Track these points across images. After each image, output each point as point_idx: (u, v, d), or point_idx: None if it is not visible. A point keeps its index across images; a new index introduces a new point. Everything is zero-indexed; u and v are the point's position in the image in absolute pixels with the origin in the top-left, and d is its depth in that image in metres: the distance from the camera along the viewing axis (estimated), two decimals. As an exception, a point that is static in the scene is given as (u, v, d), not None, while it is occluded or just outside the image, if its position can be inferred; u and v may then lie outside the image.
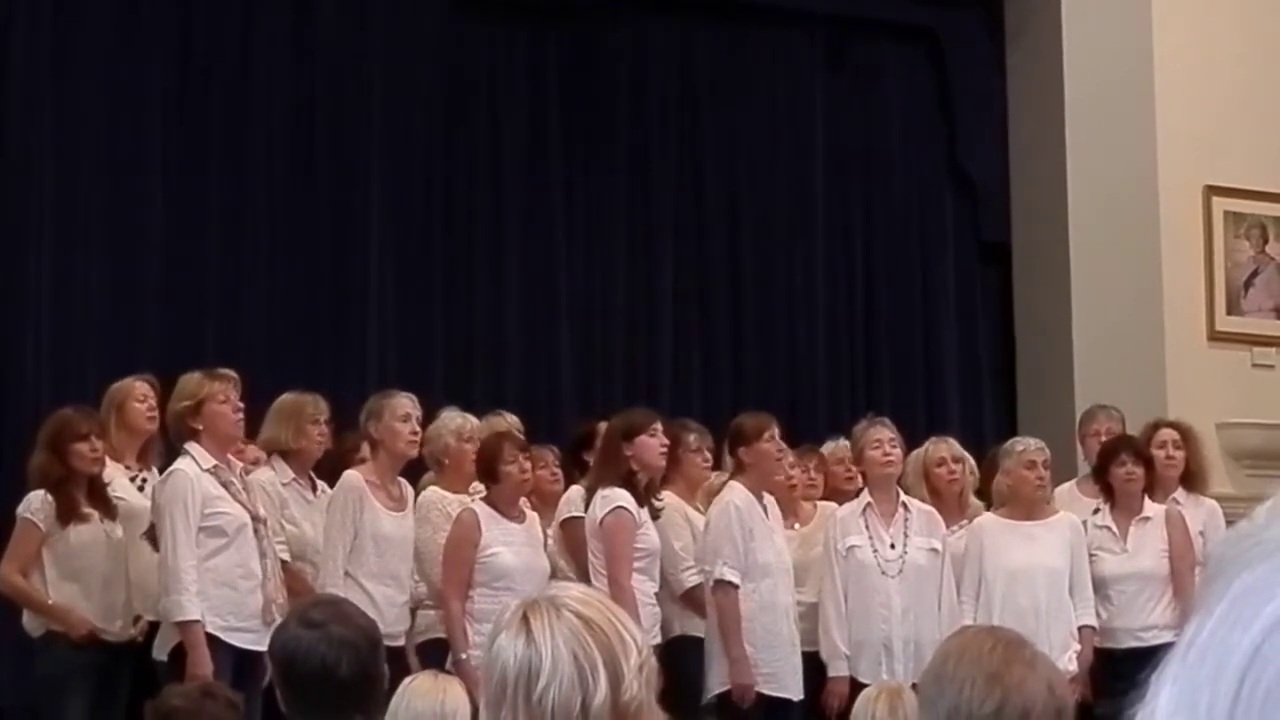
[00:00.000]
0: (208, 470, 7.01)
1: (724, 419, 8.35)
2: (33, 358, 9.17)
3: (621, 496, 7.38)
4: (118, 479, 7.47)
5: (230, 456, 7.22)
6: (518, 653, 2.23)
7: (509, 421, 8.27)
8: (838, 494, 8.51)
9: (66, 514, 7.20)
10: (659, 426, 7.63)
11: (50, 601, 7.22)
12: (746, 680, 7.49)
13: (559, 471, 8.39)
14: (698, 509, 8.00)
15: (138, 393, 7.60)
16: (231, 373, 7.27)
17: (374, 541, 7.33)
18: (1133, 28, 10.96)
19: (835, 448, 8.76)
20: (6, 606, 7.55)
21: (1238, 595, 0.90)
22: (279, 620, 4.44)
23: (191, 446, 7.05)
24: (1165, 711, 0.91)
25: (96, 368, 8.84)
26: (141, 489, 7.49)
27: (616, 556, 7.32)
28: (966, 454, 8.63)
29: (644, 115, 10.78)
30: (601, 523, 7.36)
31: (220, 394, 7.13)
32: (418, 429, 7.60)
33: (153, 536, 7.02)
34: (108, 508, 7.30)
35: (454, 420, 7.91)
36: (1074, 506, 8.53)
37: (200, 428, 7.07)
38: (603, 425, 8.04)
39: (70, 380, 8.89)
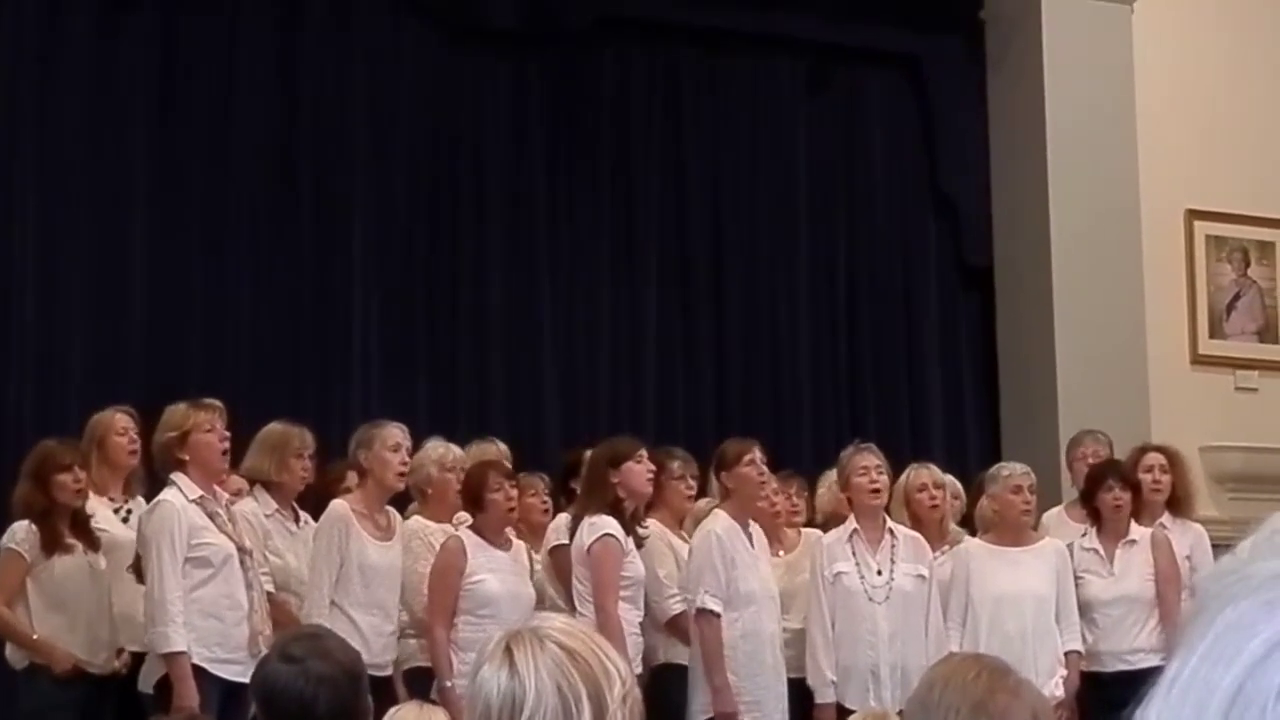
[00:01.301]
0: (193, 501, 6.97)
1: (709, 446, 8.33)
2: (15, 386, 9.13)
3: (609, 524, 7.36)
4: (100, 511, 7.43)
5: (215, 487, 7.20)
6: (501, 684, 2.22)
7: (498, 449, 8.26)
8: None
9: (50, 545, 7.16)
10: (644, 454, 7.61)
11: (35, 637, 7.17)
12: (729, 709, 7.46)
13: (549, 500, 8.36)
14: (682, 537, 7.98)
15: (118, 426, 7.56)
16: (217, 403, 7.22)
17: (360, 571, 7.30)
18: (1114, 53, 10.98)
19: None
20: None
21: (1220, 632, 0.90)
22: (265, 652, 4.43)
23: (177, 477, 7.01)
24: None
25: (80, 396, 8.81)
26: (125, 520, 7.46)
27: (604, 584, 7.29)
28: (949, 479, 8.60)
29: (627, 142, 10.78)
30: (589, 550, 7.34)
31: (206, 424, 7.09)
32: (408, 459, 7.59)
33: (138, 569, 6.98)
34: (90, 539, 7.26)
35: (436, 450, 7.90)
36: (1062, 531, 8.52)
37: (186, 458, 7.03)
38: (589, 453, 8.02)
39: (53, 407, 8.88)
